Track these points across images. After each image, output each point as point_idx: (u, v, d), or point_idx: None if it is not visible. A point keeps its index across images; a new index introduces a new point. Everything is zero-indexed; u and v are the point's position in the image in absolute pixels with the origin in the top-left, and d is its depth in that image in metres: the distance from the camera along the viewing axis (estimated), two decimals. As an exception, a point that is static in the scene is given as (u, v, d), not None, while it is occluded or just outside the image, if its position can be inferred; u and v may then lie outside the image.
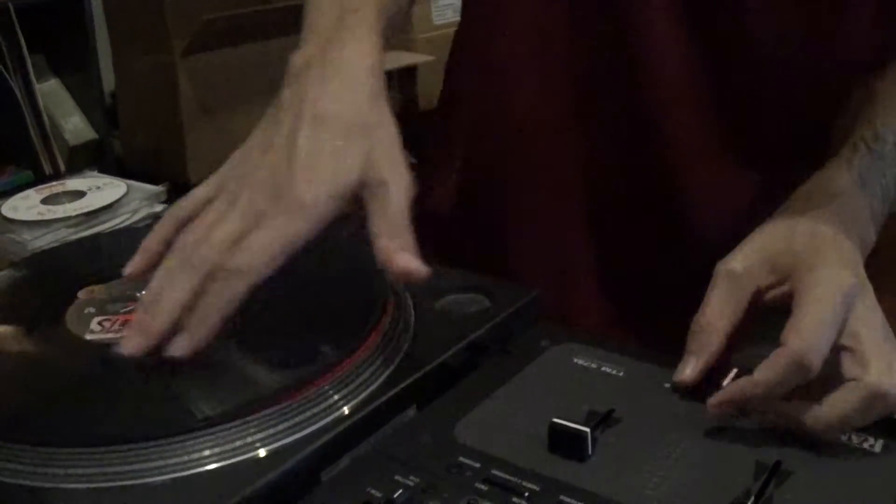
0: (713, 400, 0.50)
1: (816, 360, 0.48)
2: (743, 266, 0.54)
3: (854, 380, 0.48)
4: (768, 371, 0.48)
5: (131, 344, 0.49)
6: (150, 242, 0.53)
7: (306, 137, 0.51)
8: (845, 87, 0.68)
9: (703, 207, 0.73)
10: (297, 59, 0.55)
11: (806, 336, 0.48)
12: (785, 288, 0.53)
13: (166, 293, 0.49)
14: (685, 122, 0.70)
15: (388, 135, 0.52)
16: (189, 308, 0.49)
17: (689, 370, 0.52)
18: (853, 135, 0.63)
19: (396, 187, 0.50)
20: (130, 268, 0.53)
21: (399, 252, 0.50)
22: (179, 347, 0.49)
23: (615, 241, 0.75)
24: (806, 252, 0.54)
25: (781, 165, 0.70)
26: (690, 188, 0.72)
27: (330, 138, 0.51)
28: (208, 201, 0.52)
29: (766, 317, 0.54)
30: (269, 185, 0.50)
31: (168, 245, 0.52)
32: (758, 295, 0.54)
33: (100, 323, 0.55)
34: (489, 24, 0.76)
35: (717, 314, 0.53)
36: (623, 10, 0.68)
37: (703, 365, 0.52)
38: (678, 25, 0.67)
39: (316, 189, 0.49)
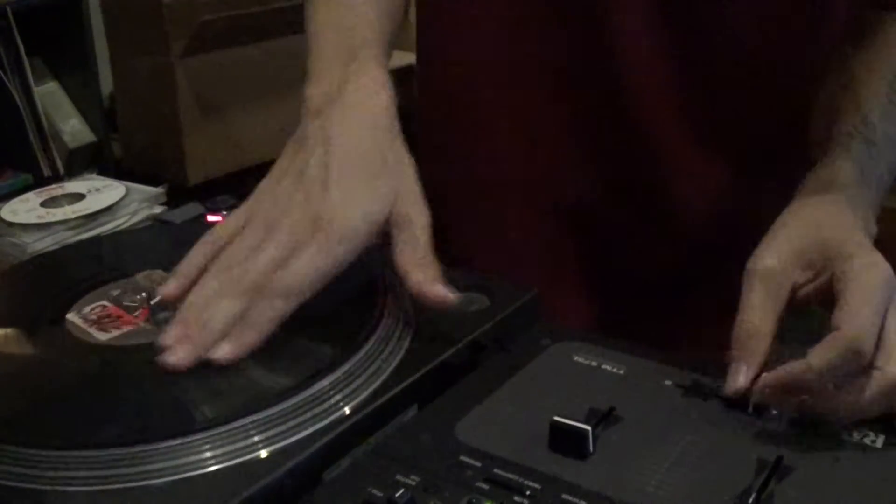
0: (762, 382, 0.49)
1: (870, 346, 0.48)
2: (778, 263, 0.53)
3: (877, 369, 0.48)
4: (824, 356, 0.47)
5: (180, 355, 0.50)
6: (187, 267, 0.55)
7: (339, 170, 0.54)
8: (824, 64, 0.68)
9: (685, 194, 0.73)
10: (314, 94, 0.58)
11: (860, 321, 0.48)
12: (820, 281, 0.53)
13: (215, 310, 0.51)
14: (661, 109, 0.70)
15: (408, 172, 0.56)
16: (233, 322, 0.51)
17: (741, 378, 0.50)
18: (844, 121, 0.63)
19: (420, 223, 0.54)
20: (166, 291, 0.55)
21: (431, 283, 0.53)
22: (223, 353, 0.50)
23: (600, 236, 0.75)
24: (838, 240, 0.53)
25: (761, 150, 0.70)
26: (671, 177, 0.72)
27: (361, 172, 0.54)
28: (241, 229, 0.55)
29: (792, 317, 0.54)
30: (307, 213, 0.53)
31: (202, 271, 0.54)
32: (793, 292, 0.53)
33: (92, 309, 0.55)
34: (455, 18, 0.75)
35: (760, 317, 0.52)
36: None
37: (754, 372, 0.50)
38: (652, 11, 0.67)
39: (353, 219, 0.53)
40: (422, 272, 0.53)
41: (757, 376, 0.50)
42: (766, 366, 0.51)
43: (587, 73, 0.71)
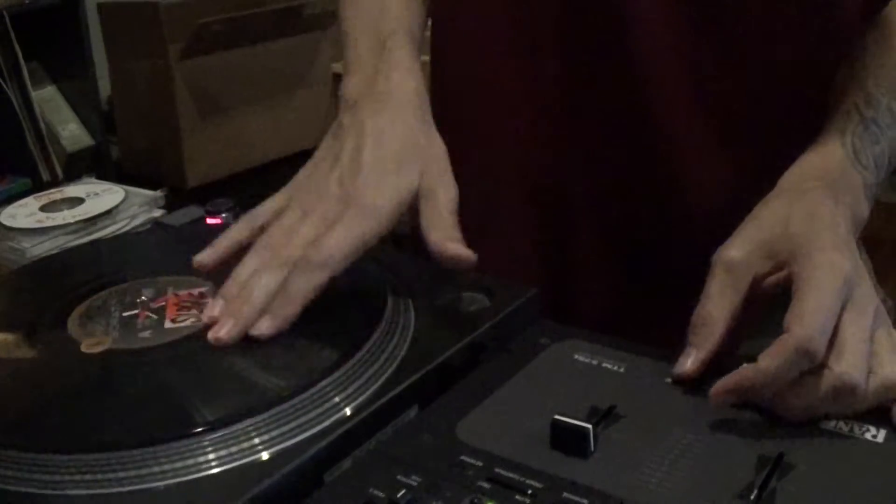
0: (716, 388, 0.49)
1: (821, 347, 0.48)
2: (740, 254, 0.54)
3: (828, 368, 0.48)
4: (774, 359, 0.48)
5: (225, 330, 0.53)
6: (224, 241, 0.59)
7: (370, 154, 0.58)
8: (840, 53, 0.68)
9: (698, 191, 0.72)
10: (349, 90, 0.63)
11: (809, 322, 0.48)
12: (783, 274, 0.53)
13: (256, 284, 0.55)
14: (676, 101, 0.70)
15: (437, 152, 0.61)
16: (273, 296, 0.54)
17: (689, 363, 0.52)
18: (846, 98, 0.62)
19: (445, 193, 0.59)
20: (201, 258, 0.59)
21: (449, 242, 0.57)
22: (265, 328, 0.53)
23: (611, 228, 0.75)
24: (803, 236, 0.53)
25: (776, 141, 0.70)
26: (684, 172, 0.72)
27: (391, 156, 0.59)
28: (281, 211, 0.58)
29: (772, 310, 0.54)
30: (339, 195, 0.57)
31: (240, 247, 0.58)
32: (756, 283, 0.54)
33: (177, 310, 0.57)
34: (470, 6, 0.75)
35: (716, 305, 0.53)
36: None
37: (704, 357, 0.52)
38: (668, 2, 0.67)
39: (381, 195, 0.57)
40: (441, 232, 0.57)
41: (710, 362, 0.52)
42: (731, 353, 0.53)
43: (602, 60, 0.70)
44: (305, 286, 0.54)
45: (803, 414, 0.48)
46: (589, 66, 0.71)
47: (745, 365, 0.49)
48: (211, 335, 0.53)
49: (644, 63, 0.69)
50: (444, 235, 0.57)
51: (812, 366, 0.48)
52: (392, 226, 0.56)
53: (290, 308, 0.54)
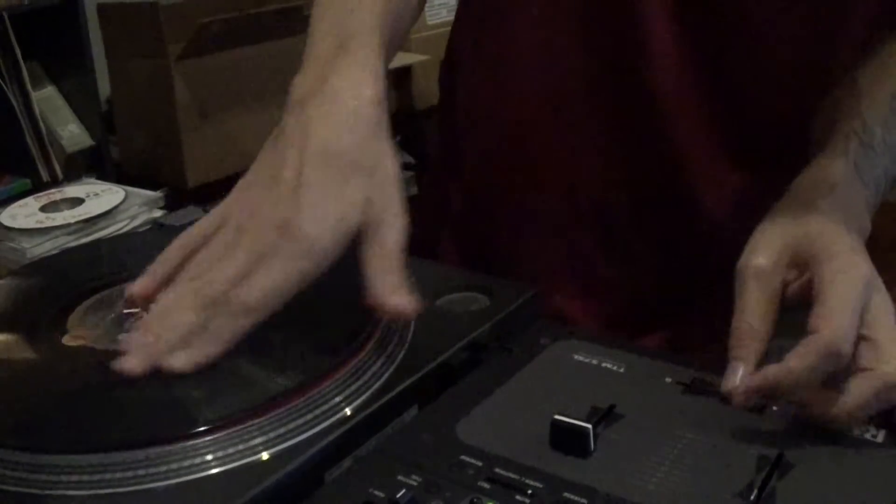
0: (741, 387, 0.49)
1: (849, 348, 0.48)
2: (768, 261, 0.53)
3: (869, 369, 0.48)
4: (801, 359, 0.48)
5: (133, 362, 0.50)
6: (157, 267, 0.54)
7: (312, 174, 0.51)
8: (837, 76, 0.68)
9: (707, 203, 0.73)
10: (298, 86, 0.56)
11: (836, 323, 0.48)
12: (803, 280, 0.53)
13: (173, 319, 0.50)
14: (688, 117, 0.70)
15: (388, 174, 0.53)
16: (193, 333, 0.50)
17: (738, 378, 0.50)
18: (842, 126, 0.63)
19: (392, 229, 0.52)
20: (135, 288, 0.54)
21: (391, 293, 0.51)
22: (178, 362, 0.50)
23: (620, 239, 0.75)
24: (822, 241, 0.53)
25: (786, 160, 0.70)
26: (693, 184, 0.72)
27: (335, 176, 0.52)
28: (216, 230, 0.53)
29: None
30: (275, 220, 0.51)
31: (173, 271, 0.53)
32: (784, 289, 0.54)
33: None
34: (491, 18, 0.75)
35: (756, 317, 0.52)
36: (625, 4, 0.68)
37: (750, 371, 0.51)
38: (677, 18, 0.68)
39: (321, 229, 0.50)
40: (383, 279, 0.51)
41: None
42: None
43: (615, 77, 0.71)
44: (229, 331, 0.50)
45: (848, 418, 0.48)
46: (607, 83, 0.71)
47: (773, 366, 0.49)
48: (119, 365, 0.49)
49: (659, 83, 0.69)
50: (387, 284, 0.51)
51: (841, 365, 0.48)
52: (332, 262, 0.50)
53: (211, 349, 0.50)
